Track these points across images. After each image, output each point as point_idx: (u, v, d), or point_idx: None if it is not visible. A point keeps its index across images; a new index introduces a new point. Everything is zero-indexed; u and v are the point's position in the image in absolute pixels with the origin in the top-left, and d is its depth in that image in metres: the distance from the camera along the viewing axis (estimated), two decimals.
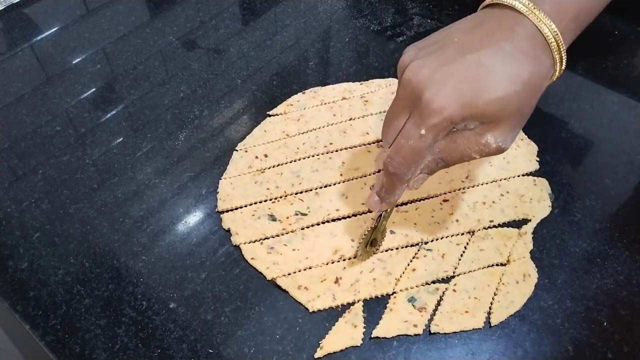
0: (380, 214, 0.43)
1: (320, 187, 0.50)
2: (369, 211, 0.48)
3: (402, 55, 0.38)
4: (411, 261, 0.45)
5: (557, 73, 0.38)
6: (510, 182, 0.50)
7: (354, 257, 0.45)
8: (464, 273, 0.44)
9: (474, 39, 0.36)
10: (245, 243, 0.46)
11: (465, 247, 0.46)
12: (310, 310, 0.42)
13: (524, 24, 0.36)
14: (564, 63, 0.37)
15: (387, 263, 0.45)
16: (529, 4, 0.36)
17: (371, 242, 0.44)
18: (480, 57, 0.35)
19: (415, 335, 0.41)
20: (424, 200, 0.49)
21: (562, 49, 0.37)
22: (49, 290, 0.43)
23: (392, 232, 0.46)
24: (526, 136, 0.54)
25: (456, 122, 0.35)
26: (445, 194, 0.49)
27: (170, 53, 0.64)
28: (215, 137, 0.55)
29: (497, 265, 0.45)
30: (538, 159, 0.52)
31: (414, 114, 0.36)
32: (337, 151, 0.53)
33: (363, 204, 0.48)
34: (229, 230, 0.47)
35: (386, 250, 0.45)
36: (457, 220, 0.47)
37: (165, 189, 0.50)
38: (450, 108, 0.34)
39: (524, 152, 0.52)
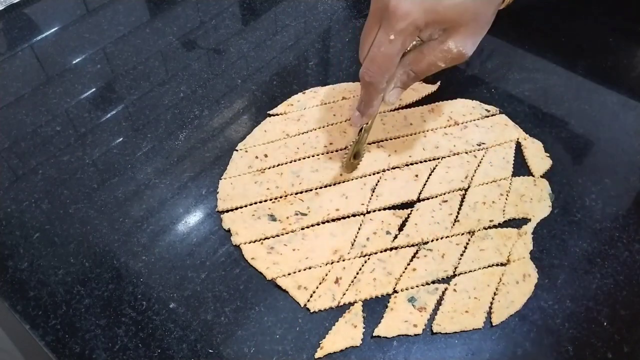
0: (361, 128, 0.47)
1: (320, 187, 0.50)
2: (369, 211, 0.48)
3: None
4: (411, 261, 0.45)
5: None
6: (510, 182, 0.50)
7: (341, 167, 0.50)
8: (464, 273, 0.44)
9: None
10: (245, 243, 0.46)
11: (465, 247, 0.46)
12: (311, 310, 0.42)
13: None
14: None
15: (387, 263, 0.45)
16: None
17: (354, 155, 0.49)
18: None
19: (415, 335, 0.41)
20: (424, 200, 0.49)
21: None
22: (49, 290, 0.43)
23: (391, 232, 0.47)
24: (528, 135, 0.54)
25: (420, 27, 0.39)
26: (445, 194, 0.49)
27: (170, 53, 0.64)
28: (215, 137, 0.55)
29: (497, 265, 0.45)
30: (548, 154, 0.52)
31: (383, 23, 0.40)
32: (337, 151, 0.53)
33: (363, 204, 0.48)
34: (229, 230, 0.47)
35: (386, 250, 0.46)
36: (457, 220, 0.47)
37: (165, 189, 0.50)
38: (414, 13, 0.39)
39: (533, 153, 0.52)
